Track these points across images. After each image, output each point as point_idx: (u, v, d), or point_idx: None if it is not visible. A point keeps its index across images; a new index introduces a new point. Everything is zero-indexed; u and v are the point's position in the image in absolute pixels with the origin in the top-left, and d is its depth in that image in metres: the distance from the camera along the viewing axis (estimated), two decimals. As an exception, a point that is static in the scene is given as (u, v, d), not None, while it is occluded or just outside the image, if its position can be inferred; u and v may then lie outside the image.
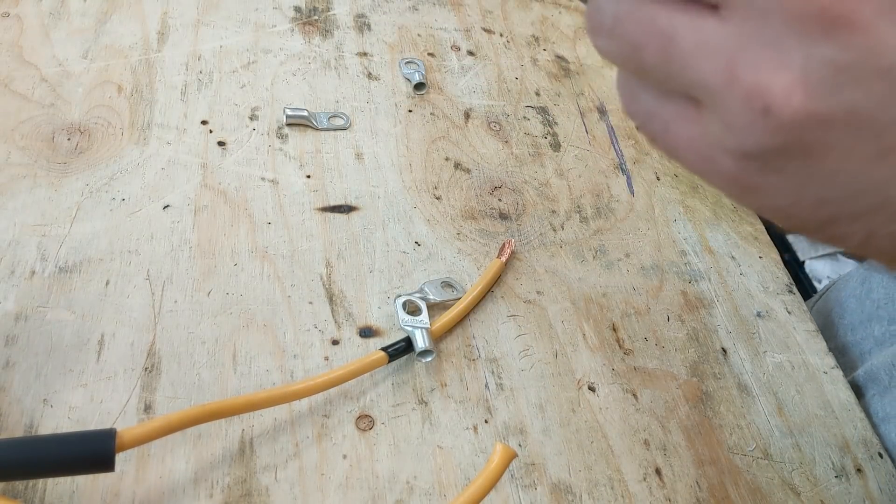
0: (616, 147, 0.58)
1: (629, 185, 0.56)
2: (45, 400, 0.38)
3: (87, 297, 0.42)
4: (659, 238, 0.53)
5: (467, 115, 0.58)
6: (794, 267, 1.33)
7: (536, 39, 0.66)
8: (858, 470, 0.42)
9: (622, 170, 0.57)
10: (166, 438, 0.36)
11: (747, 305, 0.49)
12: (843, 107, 0.17)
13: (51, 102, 0.52)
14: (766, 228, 0.56)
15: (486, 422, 0.41)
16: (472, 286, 0.46)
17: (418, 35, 0.64)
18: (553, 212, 0.52)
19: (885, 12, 0.16)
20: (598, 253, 0.50)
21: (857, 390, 0.48)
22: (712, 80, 0.18)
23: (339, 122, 0.55)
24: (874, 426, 0.45)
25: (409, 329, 0.42)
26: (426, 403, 0.41)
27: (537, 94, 0.61)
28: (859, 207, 0.19)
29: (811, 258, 1.36)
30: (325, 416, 0.39)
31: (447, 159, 0.54)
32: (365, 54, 0.61)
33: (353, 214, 0.49)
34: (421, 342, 0.41)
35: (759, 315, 0.49)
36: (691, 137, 0.20)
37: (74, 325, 0.41)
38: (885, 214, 0.19)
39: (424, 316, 0.43)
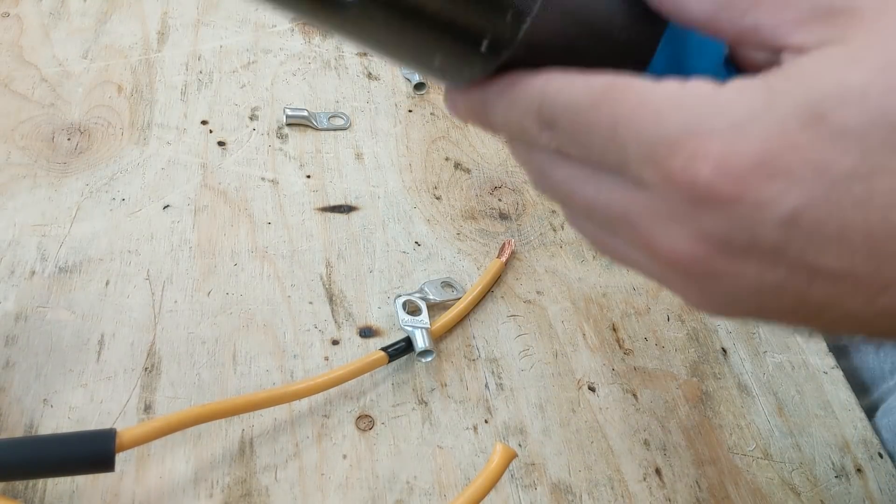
0: (616, 147, 0.58)
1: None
2: (45, 400, 0.38)
3: (87, 297, 0.42)
4: (659, 238, 0.53)
5: (467, 115, 0.58)
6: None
7: (536, 39, 0.66)
8: (858, 470, 0.42)
9: (622, 170, 0.57)
10: (166, 438, 0.36)
11: (747, 305, 0.49)
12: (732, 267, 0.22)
13: (51, 102, 0.52)
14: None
15: (486, 422, 0.41)
16: (472, 286, 0.46)
17: (418, 35, 0.64)
18: (553, 212, 0.52)
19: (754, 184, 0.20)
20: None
21: (859, 385, 0.48)
22: (631, 241, 0.24)
23: (339, 122, 0.55)
24: (874, 420, 0.45)
25: (409, 329, 0.42)
26: (426, 403, 0.41)
27: (537, 94, 0.61)
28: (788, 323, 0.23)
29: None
30: (325, 416, 0.40)
31: (447, 159, 0.54)
32: (365, 54, 0.61)
33: (353, 214, 0.49)
34: (421, 342, 0.41)
35: (759, 315, 0.49)
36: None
37: (74, 325, 0.41)
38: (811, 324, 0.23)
39: (424, 316, 0.43)
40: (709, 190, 0.20)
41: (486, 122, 0.26)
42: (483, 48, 0.23)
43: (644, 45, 0.25)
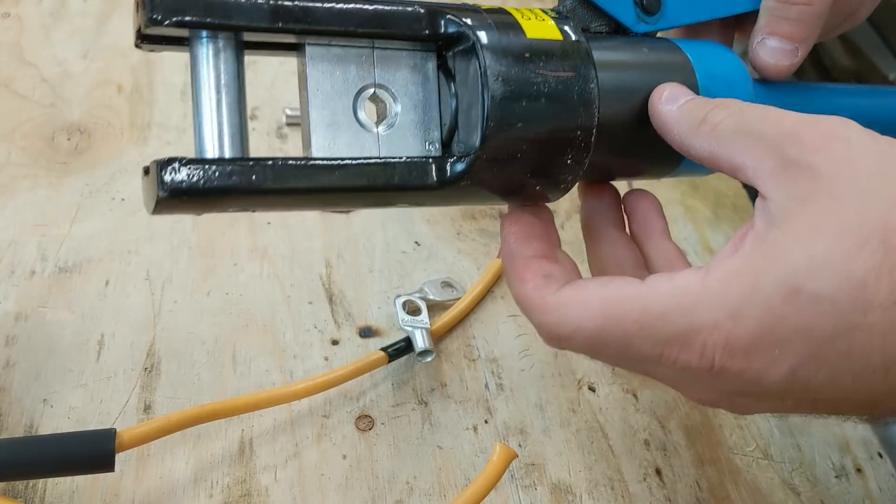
0: (616, 147, 0.58)
1: (629, 184, 0.56)
2: (45, 400, 0.38)
3: (87, 297, 0.42)
4: (659, 238, 0.52)
5: (467, 115, 0.58)
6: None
7: (536, 39, 0.66)
8: (858, 470, 0.42)
9: (622, 170, 0.57)
10: (166, 438, 0.36)
11: (747, 305, 0.49)
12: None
13: (51, 102, 0.52)
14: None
15: (486, 422, 0.41)
16: (472, 286, 0.46)
17: (418, 35, 0.64)
18: (553, 211, 0.52)
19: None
20: (598, 253, 0.50)
21: None
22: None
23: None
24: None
25: (409, 329, 0.42)
26: (426, 403, 0.41)
27: (537, 93, 0.61)
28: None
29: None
30: (325, 416, 0.40)
31: (447, 159, 0.54)
32: (365, 54, 0.61)
33: (353, 214, 0.49)
34: (421, 342, 0.41)
35: (759, 315, 0.49)
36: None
37: (74, 325, 0.41)
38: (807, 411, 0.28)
39: (424, 316, 0.43)
40: (722, 369, 0.25)
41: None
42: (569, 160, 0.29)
43: (668, 163, 0.33)
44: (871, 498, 0.41)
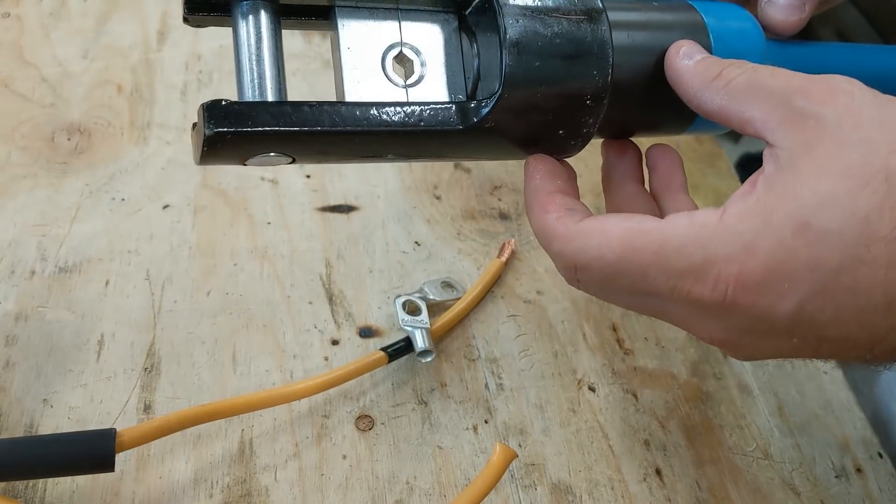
0: (616, 147, 0.58)
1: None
2: (45, 400, 0.38)
3: (87, 297, 0.42)
4: (659, 238, 0.52)
5: (467, 115, 0.58)
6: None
7: (536, 39, 0.66)
8: (858, 470, 0.42)
9: (622, 170, 0.57)
10: (166, 438, 0.36)
11: (747, 305, 0.49)
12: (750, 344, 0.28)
13: (51, 102, 0.52)
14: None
15: (486, 422, 0.41)
16: (472, 286, 0.46)
17: (418, 35, 0.64)
18: (553, 212, 0.52)
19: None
20: (598, 253, 0.50)
21: (859, 384, 0.47)
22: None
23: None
24: (885, 404, 0.45)
25: (409, 329, 0.42)
26: (426, 403, 0.41)
27: (537, 93, 0.61)
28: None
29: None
30: (325, 416, 0.40)
31: (447, 159, 0.54)
32: (365, 54, 0.61)
33: (353, 214, 0.49)
34: (421, 342, 0.41)
35: (759, 315, 0.49)
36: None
37: (74, 325, 0.41)
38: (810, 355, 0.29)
39: (424, 316, 0.43)
40: (733, 302, 0.26)
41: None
42: (588, 101, 0.30)
43: (683, 120, 0.34)
44: (871, 498, 0.41)
